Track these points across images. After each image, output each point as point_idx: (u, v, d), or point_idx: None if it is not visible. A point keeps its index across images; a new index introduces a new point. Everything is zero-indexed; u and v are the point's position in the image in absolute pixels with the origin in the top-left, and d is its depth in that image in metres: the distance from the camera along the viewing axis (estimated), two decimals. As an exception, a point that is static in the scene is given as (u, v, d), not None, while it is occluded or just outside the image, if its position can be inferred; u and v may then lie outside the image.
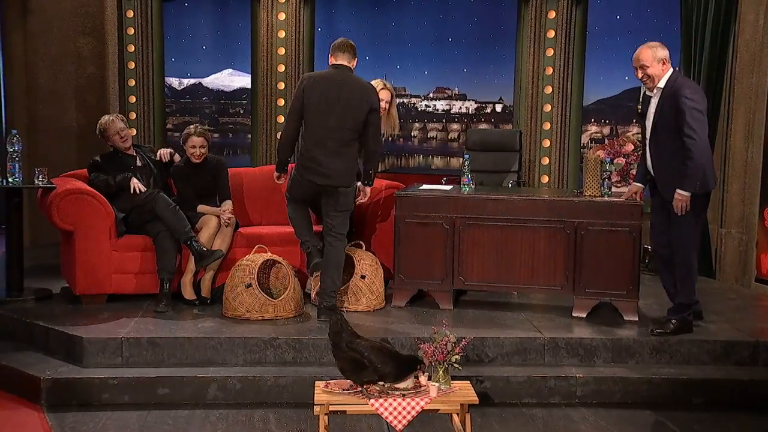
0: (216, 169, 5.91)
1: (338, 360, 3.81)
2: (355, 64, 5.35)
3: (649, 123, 4.99)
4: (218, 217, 5.64)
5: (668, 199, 4.92)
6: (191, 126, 5.86)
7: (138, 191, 5.58)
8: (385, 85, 5.80)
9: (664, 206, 5.02)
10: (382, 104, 5.57)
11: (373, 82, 5.51)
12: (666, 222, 5.07)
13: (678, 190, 4.82)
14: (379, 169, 8.50)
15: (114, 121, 5.78)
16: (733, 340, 5.01)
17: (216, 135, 8.59)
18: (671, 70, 4.91)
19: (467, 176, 5.73)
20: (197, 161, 5.78)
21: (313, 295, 5.51)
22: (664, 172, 4.95)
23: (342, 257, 5.29)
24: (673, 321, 5.02)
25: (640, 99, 5.35)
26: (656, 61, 4.87)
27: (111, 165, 5.71)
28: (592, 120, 8.19)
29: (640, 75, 4.93)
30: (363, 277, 5.47)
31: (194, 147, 5.75)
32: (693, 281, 5.07)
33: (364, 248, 5.68)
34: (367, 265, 5.51)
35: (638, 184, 5.30)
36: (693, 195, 4.83)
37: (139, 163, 5.81)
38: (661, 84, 4.88)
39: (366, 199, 5.46)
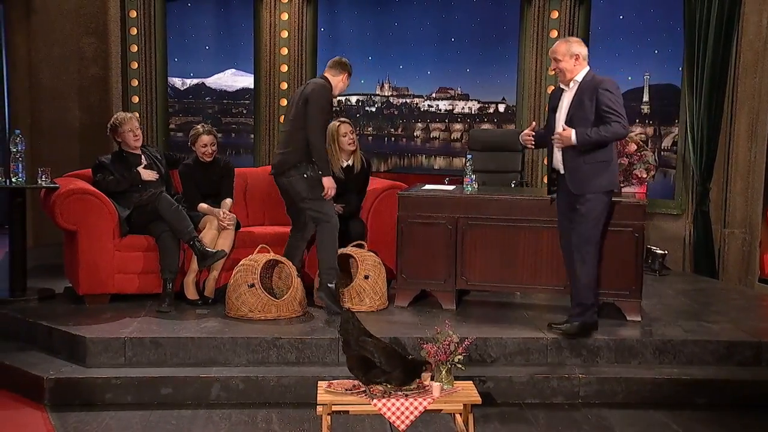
0: (223, 169, 5.94)
1: (347, 357, 3.82)
2: (341, 79, 5.45)
3: (561, 115, 4.93)
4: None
5: (578, 193, 4.87)
6: (197, 126, 5.90)
7: (151, 178, 5.70)
8: (339, 120, 5.91)
9: (569, 207, 4.95)
10: (350, 137, 5.82)
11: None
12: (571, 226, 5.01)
13: (572, 131, 4.77)
14: (382, 169, 8.58)
15: (131, 119, 5.81)
16: (737, 340, 5.00)
17: (219, 135, 8.57)
18: (587, 68, 4.89)
19: (470, 176, 5.72)
20: (209, 159, 5.81)
21: (316, 297, 5.51)
22: (577, 168, 4.88)
23: (331, 235, 5.32)
24: (575, 322, 4.95)
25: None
26: (568, 56, 4.86)
27: (118, 165, 5.72)
28: (595, 120, 8.17)
29: (552, 67, 4.96)
30: (366, 277, 5.46)
31: (205, 145, 5.79)
32: (594, 281, 4.97)
33: (366, 248, 5.68)
34: (370, 265, 5.50)
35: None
36: (596, 194, 4.81)
37: (145, 163, 5.82)
38: (579, 78, 4.87)
39: (327, 190, 5.32)
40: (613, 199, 5.32)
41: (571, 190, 4.89)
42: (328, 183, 5.30)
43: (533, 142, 5.12)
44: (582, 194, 4.86)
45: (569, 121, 4.86)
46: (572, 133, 4.78)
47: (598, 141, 4.78)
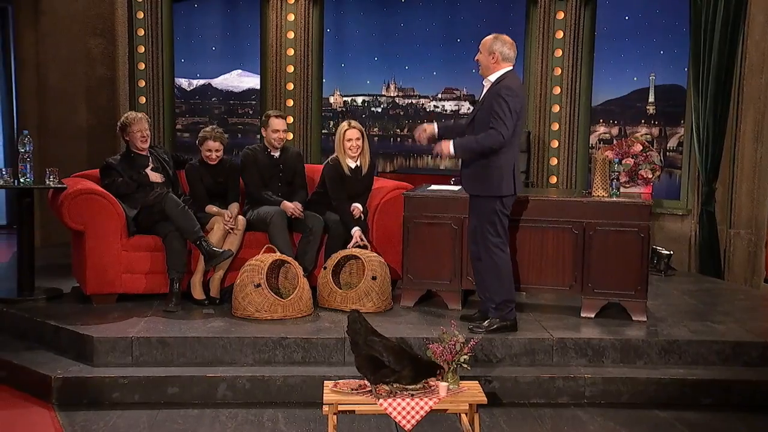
0: (229, 170, 5.95)
1: (356, 357, 3.83)
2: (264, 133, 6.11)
3: (473, 112, 4.99)
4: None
5: (468, 192, 5.01)
6: (207, 129, 5.91)
7: (158, 180, 5.73)
8: (349, 124, 5.97)
9: (471, 208, 5.03)
10: (354, 143, 5.88)
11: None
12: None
13: (450, 143, 4.81)
14: (388, 170, 8.61)
15: (141, 120, 5.82)
16: (742, 340, 5.00)
17: (225, 135, 8.60)
18: (505, 69, 4.85)
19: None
20: (213, 163, 5.84)
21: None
22: (467, 169, 4.94)
23: (276, 232, 5.69)
24: (496, 319, 4.97)
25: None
26: (487, 52, 4.85)
27: (125, 166, 5.74)
28: (601, 120, 8.18)
29: (476, 56, 4.96)
30: (374, 278, 5.47)
31: (210, 151, 5.81)
32: (504, 279, 4.98)
33: (369, 249, 5.68)
34: (376, 265, 5.51)
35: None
36: (485, 196, 4.84)
37: (152, 164, 5.84)
38: (493, 77, 4.86)
39: (292, 211, 5.85)
40: (615, 199, 5.34)
41: (464, 188, 5.03)
42: (287, 206, 5.81)
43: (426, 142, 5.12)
44: (472, 194, 4.96)
45: (473, 120, 4.91)
46: (450, 146, 4.81)
47: (474, 149, 4.79)
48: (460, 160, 5.09)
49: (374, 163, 6.19)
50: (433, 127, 5.10)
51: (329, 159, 6.00)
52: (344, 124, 5.95)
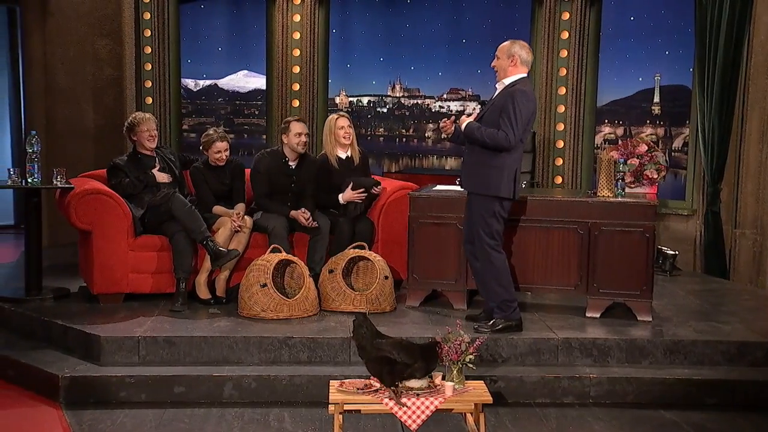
0: (234, 170, 5.97)
1: (366, 361, 3.81)
2: (286, 138, 5.95)
3: (481, 111, 5.03)
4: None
5: (464, 188, 5.04)
6: (210, 132, 5.90)
7: (165, 180, 5.75)
8: (338, 114, 6.05)
9: (469, 207, 5.05)
10: (347, 130, 5.95)
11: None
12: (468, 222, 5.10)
13: (469, 119, 4.86)
14: (393, 170, 8.63)
15: (149, 120, 5.85)
16: (747, 340, 5.00)
17: (231, 136, 8.60)
18: (521, 75, 4.89)
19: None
20: (221, 164, 5.85)
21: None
22: (468, 167, 4.97)
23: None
24: (501, 319, 4.98)
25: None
26: (506, 56, 4.89)
27: (132, 167, 5.76)
28: (606, 121, 8.18)
29: (492, 63, 4.99)
30: (386, 277, 5.48)
31: (219, 152, 5.82)
32: (503, 279, 4.98)
33: (366, 249, 5.65)
34: (384, 266, 5.51)
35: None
36: (483, 195, 4.87)
37: (159, 165, 5.86)
38: (507, 81, 4.89)
39: (307, 221, 5.78)
40: (620, 200, 5.35)
41: (462, 185, 5.07)
42: (295, 215, 5.75)
43: (450, 131, 5.07)
44: (469, 191, 4.98)
45: (480, 119, 4.93)
46: (466, 122, 4.88)
47: (478, 139, 4.82)
48: (462, 159, 5.11)
49: (365, 152, 6.23)
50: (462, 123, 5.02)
51: (317, 157, 6.08)
52: (333, 115, 6.03)
